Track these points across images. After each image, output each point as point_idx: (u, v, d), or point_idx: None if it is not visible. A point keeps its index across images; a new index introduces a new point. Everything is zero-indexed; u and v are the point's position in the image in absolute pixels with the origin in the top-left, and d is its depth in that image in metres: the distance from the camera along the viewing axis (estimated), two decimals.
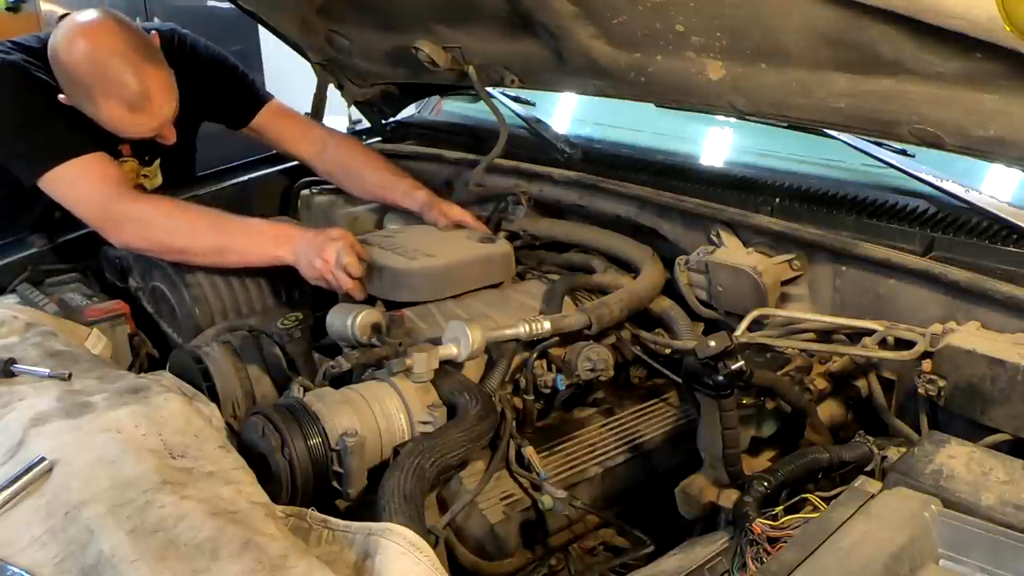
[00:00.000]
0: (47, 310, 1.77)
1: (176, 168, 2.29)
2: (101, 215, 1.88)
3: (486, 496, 1.41)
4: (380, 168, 2.26)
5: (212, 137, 2.40)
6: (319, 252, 1.75)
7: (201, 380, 1.61)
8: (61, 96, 1.88)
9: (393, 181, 2.21)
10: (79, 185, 1.88)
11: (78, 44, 1.82)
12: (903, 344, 1.41)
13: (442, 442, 1.30)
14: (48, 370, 1.37)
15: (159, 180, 2.25)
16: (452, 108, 2.81)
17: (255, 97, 2.28)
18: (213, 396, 1.57)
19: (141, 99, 1.84)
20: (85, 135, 1.90)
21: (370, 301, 1.73)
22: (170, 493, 1.06)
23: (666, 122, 2.19)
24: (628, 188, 1.97)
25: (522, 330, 1.54)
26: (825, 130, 1.72)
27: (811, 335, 1.57)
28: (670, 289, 1.82)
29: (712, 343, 1.22)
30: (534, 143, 2.31)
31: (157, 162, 2.22)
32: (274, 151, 2.48)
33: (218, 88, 2.23)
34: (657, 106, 1.88)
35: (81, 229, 2.10)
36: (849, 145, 1.78)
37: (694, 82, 1.64)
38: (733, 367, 1.22)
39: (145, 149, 2.15)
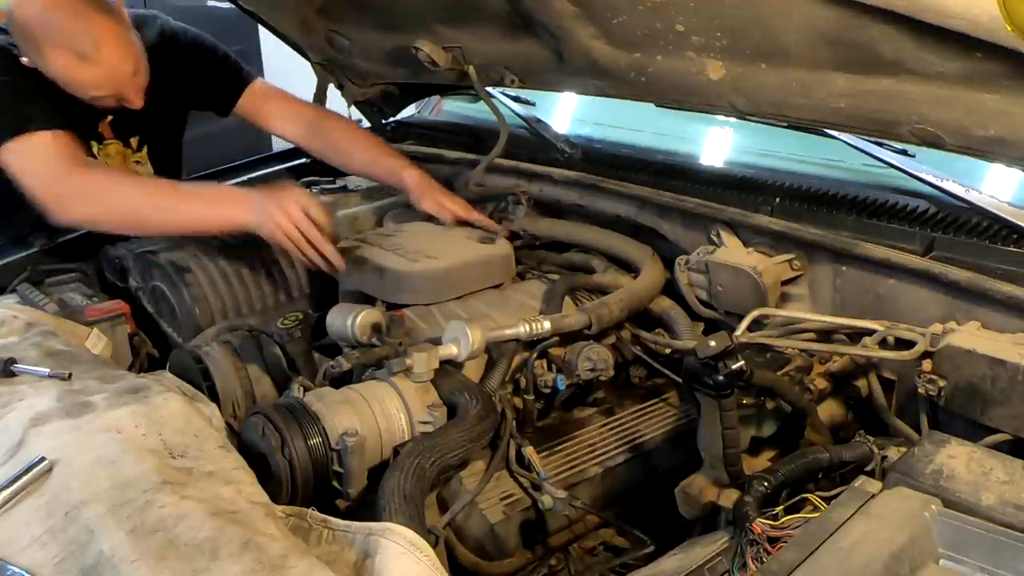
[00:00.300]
0: (47, 310, 1.77)
1: (164, 159, 2.26)
2: (49, 190, 1.82)
3: (486, 496, 1.41)
4: (370, 145, 2.22)
5: (213, 137, 2.40)
6: (280, 205, 1.71)
7: (201, 380, 1.60)
8: (24, 59, 1.86)
9: (385, 159, 2.17)
10: (31, 157, 1.83)
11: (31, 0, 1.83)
12: (903, 344, 1.41)
13: (442, 442, 1.30)
14: (48, 370, 1.37)
15: (149, 169, 2.22)
16: (452, 108, 2.81)
17: (237, 79, 2.23)
18: (213, 396, 1.57)
19: (90, 48, 1.81)
20: (61, 115, 1.87)
21: (370, 301, 1.73)
22: (170, 493, 1.06)
23: (666, 122, 2.19)
24: (628, 188, 1.97)
25: (522, 330, 1.54)
26: (825, 130, 1.72)
27: (811, 335, 1.57)
28: (670, 289, 1.82)
29: (712, 343, 1.22)
30: (534, 143, 2.30)
31: (145, 149, 2.20)
32: (276, 152, 2.48)
33: (201, 73, 2.20)
34: (657, 106, 1.88)
35: (81, 229, 2.10)
36: (849, 145, 1.78)
37: (694, 82, 1.64)
38: (733, 367, 1.23)
39: (126, 128, 2.12)
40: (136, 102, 1.95)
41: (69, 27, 1.81)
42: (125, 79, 1.90)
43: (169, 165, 2.29)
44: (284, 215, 1.71)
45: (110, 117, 2.08)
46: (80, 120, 1.95)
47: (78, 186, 1.82)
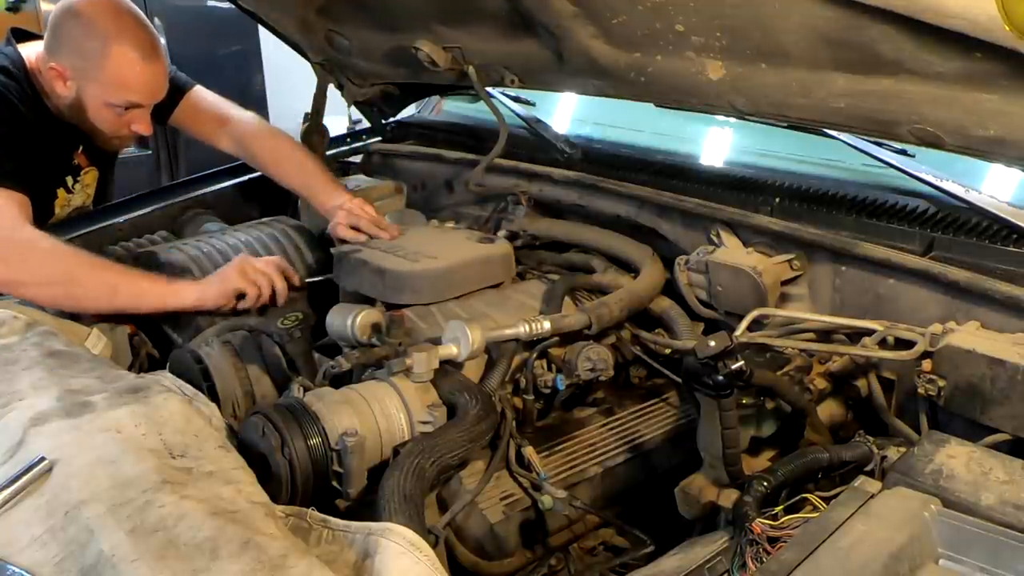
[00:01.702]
0: (47, 310, 1.77)
1: (105, 177, 2.28)
2: None
3: (486, 496, 1.41)
4: (303, 166, 2.19)
5: None
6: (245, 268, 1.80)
7: (201, 380, 1.60)
8: (55, 64, 1.90)
9: (316, 183, 2.14)
10: None
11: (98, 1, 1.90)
12: (903, 344, 1.41)
13: (442, 442, 1.30)
14: None
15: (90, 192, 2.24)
16: (452, 108, 2.81)
17: (174, 87, 2.16)
18: (213, 396, 1.57)
19: (152, 48, 1.91)
20: (25, 169, 1.85)
21: (369, 301, 1.73)
22: (170, 493, 1.06)
23: (666, 122, 2.19)
24: (628, 188, 1.97)
25: (522, 330, 1.54)
26: (825, 130, 1.72)
27: (811, 335, 1.57)
28: (670, 289, 1.82)
29: (712, 343, 1.22)
30: (534, 143, 2.31)
31: (95, 172, 2.22)
32: None
33: None
34: (657, 106, 1.88)
35: (78, 231, 2.10)
36: (849, 145, 1.78)
37: (694, 82, 1.64)
38: (733, 367, 1.23)
39: (97, 154, 2.17)
40: (149, 128, 2.01)
41: (138, 26, 1.90)
42: (164, 88, 1.98)
43: (107, 184, 2.31)
44: (254, 270, 1.81)
45: (81, 147, 2.12)
46: (57, 158, 1.95)
47: (13, 247, 1.75)
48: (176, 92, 2.19)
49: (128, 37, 1.88)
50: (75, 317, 1.77)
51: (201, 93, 2.26)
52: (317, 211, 2.21)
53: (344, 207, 2.00)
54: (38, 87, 1.97)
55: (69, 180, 2.16)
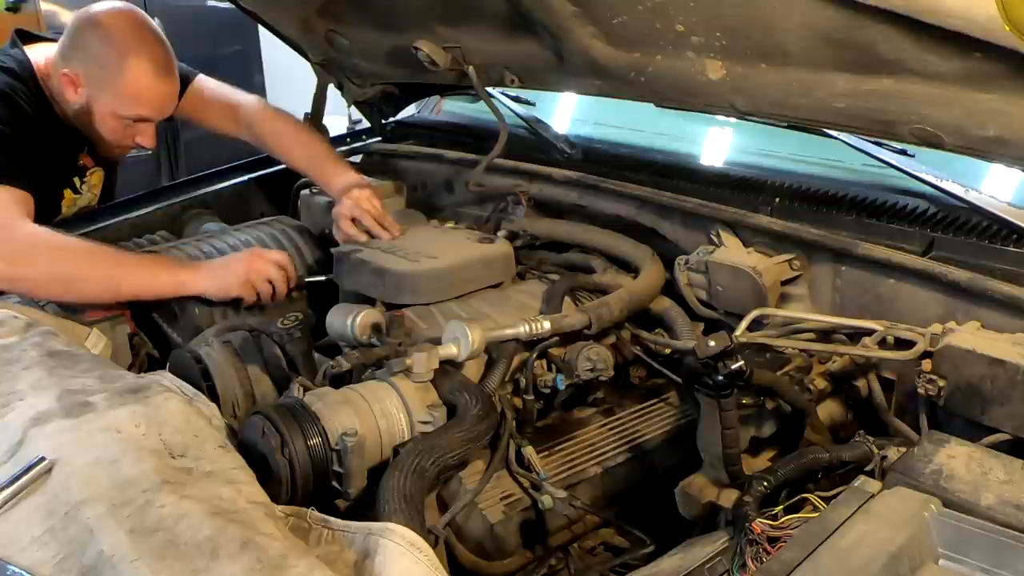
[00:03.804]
0: (47, 310, 1.77)
1: (110, 177, 2.31)
2: None
3: (486, 496, 1.41)
4: (309, 144, 2.21)
5: (213, 137, 2.40)
6: (252, 267, 1.82)
7: (201, 380, 1.60)
8: (67, 71, 1.91)
9: (321, 160, 2.16)
10: None
11: (122, 11, 1.93)
12: (903, 344, 1.42)
13: (442, 442, 1.30)
14: None
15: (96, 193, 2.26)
16: (452, 108, 2.81)
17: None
18: (213, 396, 1.56)
19: (168, 65, 1.93)
20: (29, 169, 1.85)
21: (369, 301, 1.73)
22: (170, 493, 1.06)
23: (666, 122, 2.19)
24: (628, 188, 1.97)
25: (522, 330, 1.54)
26: (825, 130, 1.72)
27: (811, 335, 1.57)
28: (670, 289, 1.82)
29: (712, 343, 1.22)
30: (534, 143, 2.31)
31: (100, 172, 2.24)
32: None
33: None
34: (657, 106, 1.88)
35: (78, 230, 2.10)
36: (849, 145, 1.78)
37: (694, 82, 1.64)
38: (733, 367, 1.23)
39: (101, 155, 2.19)
40: (153, 141, 2.03)
41: (156, 42, 1.94)
42: (174, 104, 2.02)
43: (112, 184, 2.34)
44: (259, 275, 1.82)
45: (86, 147, 2.13)
46: (62, 159, 1.97)
47: (15, 244, 1.74)
48: (180, 83, 2.18)
49: (146, 52, 1.90)
50: (76, 314, 1.77)
51: (204, 82, 2.28)
52: (318, 210, 2.21)
53: (352, 196, 1.99)
54: (45, 90, 1.98)
55: (76, 181, 2.17)
